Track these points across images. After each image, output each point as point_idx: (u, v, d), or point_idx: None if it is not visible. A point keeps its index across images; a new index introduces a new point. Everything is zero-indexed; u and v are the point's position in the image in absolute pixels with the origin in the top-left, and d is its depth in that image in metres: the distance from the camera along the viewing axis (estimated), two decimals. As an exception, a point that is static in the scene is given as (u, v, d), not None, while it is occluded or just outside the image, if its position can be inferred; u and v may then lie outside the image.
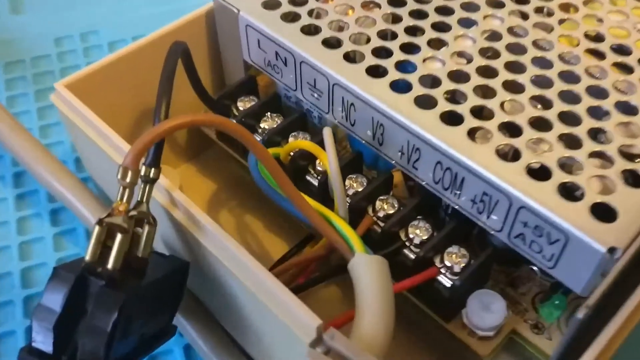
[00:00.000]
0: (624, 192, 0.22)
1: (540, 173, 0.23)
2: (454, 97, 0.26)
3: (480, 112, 0.26)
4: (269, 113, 0.31)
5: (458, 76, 0.27)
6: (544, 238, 0.23)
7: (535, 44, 0.28)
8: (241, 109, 0.31)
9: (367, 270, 0.23)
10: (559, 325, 0.26)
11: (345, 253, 0.24)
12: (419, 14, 0.30)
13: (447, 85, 0.26)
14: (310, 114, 0.32)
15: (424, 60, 0.27)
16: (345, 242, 0.24)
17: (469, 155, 0.24)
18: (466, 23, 0.29)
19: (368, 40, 0.28)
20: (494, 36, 0.29)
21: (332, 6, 0.30)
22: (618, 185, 0.23)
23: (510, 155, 0.24)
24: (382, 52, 0.28)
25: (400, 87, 0.26)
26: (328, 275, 0.26)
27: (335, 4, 0.30)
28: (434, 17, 0.29)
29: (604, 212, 0.22)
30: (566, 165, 0.24)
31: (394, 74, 0.27)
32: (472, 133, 0.25)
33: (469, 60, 0.28)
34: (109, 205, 0.32)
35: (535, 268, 0.27)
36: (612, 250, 0.21)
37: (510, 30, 0.29)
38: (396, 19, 0.30)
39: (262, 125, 0.31)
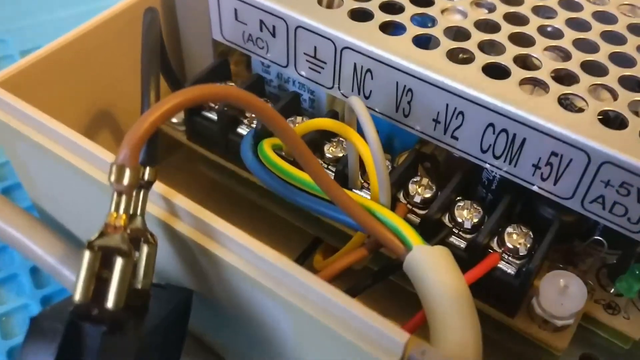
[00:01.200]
0: None
1: (614, 122, 0.20)
2: (489, 48, 0.23)
3: (524, 62, 0.22)
4: (255, 98, 0.26)
5: (485, 26, 0.24)
6: (631, 196, 0.20)
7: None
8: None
9: (434, 264, 0.19)
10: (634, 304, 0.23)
11: (396, 248, 0.20)
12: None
13: (478, 36, 0.23)
14: (299, 97, 0.27)
15: (442, 12, 0.24)
16: (394, 236, 0.20)
17: (530, 109, 0.20)
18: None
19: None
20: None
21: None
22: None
23: (575, 106, 0.21)
24: (393, 8, 0.24)
25: (424, 43, 0.23)
26: (376, 279, 0.22)
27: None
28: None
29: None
30: (640, 110, 0.21)
31: (413, 30, 0.23)
32: (524, 85, 0.21)
33: (491, 10, 0.24)
34: (68, 239, 0.26)
35: (600, 239, 0.24)
36: None
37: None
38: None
39: (249, 116, 0.26)
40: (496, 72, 0.22)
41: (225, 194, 0.29)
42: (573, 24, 0.24)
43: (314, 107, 0.28)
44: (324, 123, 0.23)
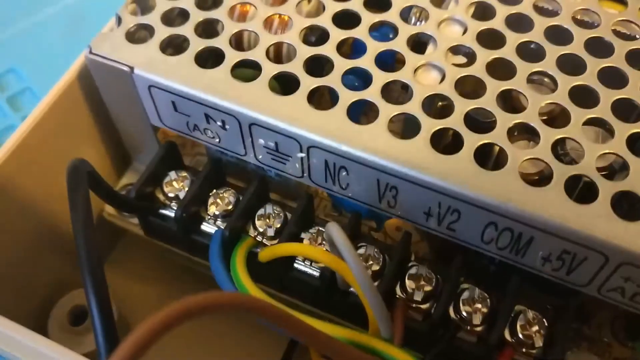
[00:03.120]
0: None
1: (628, 208, 0.19)
2: (472, 121, 0.20)
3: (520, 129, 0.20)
4: (215, 191, 0.24)
5: (464, 84, 0.21)
6: (657, 290, 0.19)
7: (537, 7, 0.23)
8: (171, 195, 0.24)
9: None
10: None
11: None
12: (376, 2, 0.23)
13: (462, 105, 0.20)
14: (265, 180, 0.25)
15: (415, 71, 0.21)
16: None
17: (536, 208, 0.18)
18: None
19: (331, 66, 0.22)
20: (485, 10, 0.23)
21: (259, 22, 0.23)
22: None
23: (581, 190, 0.19)
24: (355, 78, 0.22)
25: (409, 131, 0.20)
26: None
27: (258, 16, 0.23)
28: (399, 2, 0.23)
29: None
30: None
31: (387, 109, 0.20)
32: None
33: (470, 57, 0.22)
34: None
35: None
36: None
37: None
38: (343, 19, 0.23)
39: (211, 211, 0.23)
40: (485, 157, 0.20)
41: (193, 276, 0.27)
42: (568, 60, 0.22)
43: (282, 178, 0.25)
44: (314, 254, 0.21)
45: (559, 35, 0.22)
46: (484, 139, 0.20)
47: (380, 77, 0.21)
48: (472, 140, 0.20)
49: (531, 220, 0.19)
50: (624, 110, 0.21)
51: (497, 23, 0.23)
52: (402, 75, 0.21)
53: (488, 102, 0.21)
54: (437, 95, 0.21)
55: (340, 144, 0.20)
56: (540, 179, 0.20)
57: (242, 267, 0.21)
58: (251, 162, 0.23)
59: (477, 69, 0.21)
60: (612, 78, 0.21)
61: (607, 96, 0.21)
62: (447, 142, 0.21)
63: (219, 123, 0.22)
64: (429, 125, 0.20)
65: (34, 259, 0.25)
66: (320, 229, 0.23)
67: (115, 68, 0.22)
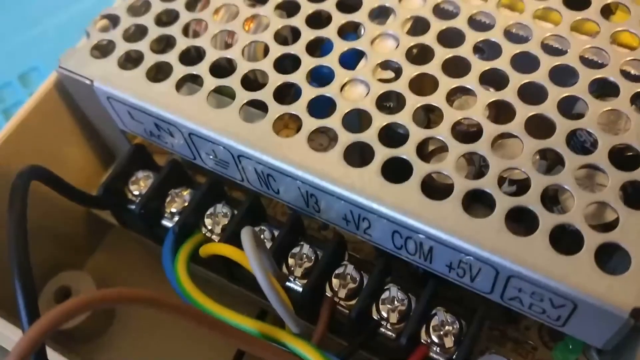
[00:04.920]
0: (627, 218, 0.18)
1: (520, 220, 0.19)
2: (393, 135, 0.21)
3: (424, 151, 0.21)
4: (172, 190, 0.25)
5: (387, 99, 0.22)
6: (545, 302, 0.19)
7: (474, 21, 0.23)
8: (136, 193, 0.26)
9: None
10: (581, 364, 0.23)
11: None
12: (314, 19, 0.24)
13: (379, 118, 0.21)
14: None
15: (342, 89, 0.22)
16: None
17: (430, 220, 0.19)
18: (378, 13, 0.24)
19: (265, 78, 0.23)
20: (419, 25, 0.23)
21: (208, 37, 0.24)
22: (619, 209, 0.19)
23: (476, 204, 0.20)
24: (288, 89, 0.22)
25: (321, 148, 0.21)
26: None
27: (210, 32, 0.24)
28: (337, 18, 0.24)
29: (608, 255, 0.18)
30: (550, 200, 0.19)
31: (309, 122, 0.21)
32: (425, 187, 0.20)
33: (396, 72, 0.22)
34: None
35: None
36: (636, 313, 0.17)
37: (439, 10, 0.23)
38: (292, 34, 0.24)
39: (169, 209, 0.25)
40: (395, 171, 0.20)
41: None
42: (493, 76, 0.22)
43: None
44: (222, 250, 0.22)
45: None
46: (394, 152, 0.20)
47: (308, 92, 0.22)
48: (382, 154, 0.20)
49: (426, 231, 0.19)
50: (540, 125, 0.21)
51: (428, 38, 0.23)
52: (329, 90, 0.22)
53: (405, 116, 0.21)
54: (359, 110, 0.22)
55: (263, 155, 0.21)
56: (445, 192, 0.20)
57: (183, 262, 0.23)
58: (201, 165, 0.24)
59: (400, 84, 0.22)
60: (532, 93, 0.21)
61: (525, 110, 0.21)
62: (365, 155, 0.21)
63: (167, 131, 0.23)
64: (345, 139, 0.21)
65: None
66: (262, 227, 0.24)
67: (79, 81, 0.24)
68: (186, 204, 0.25)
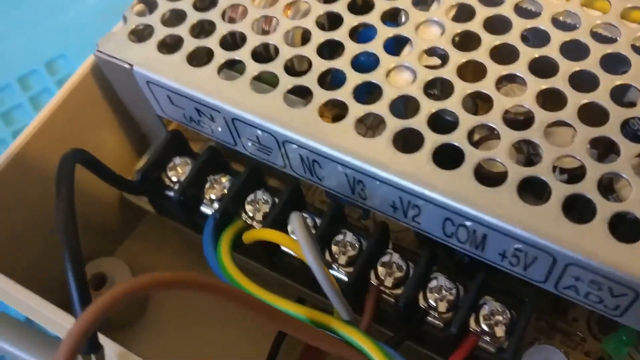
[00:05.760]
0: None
1: (577, 209, 0.18)
2: (441, 122, 0.20)
3: (471, 139, 0.20)
4: (211, 177, 0.25)
5: (432, 86, 0.21)
6: (604, 291, 0.18)
7: (520, 8, 0.22)
8: (174, 179, 0.25)
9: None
10: (631, 356, 0.22)
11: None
12: (356, 6, 0.23)
13: (428, 105, 0.20)
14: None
15: (388, 74, 0.21)
16: (361, 355, 0.19)
17: (486, 207, 0.18)
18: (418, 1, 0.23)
19: (309, 64, 0.22)
20: (463, 12, 0.22)
21: (249, 22, 0.23)
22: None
23: (536, 192, 0.19)
24: (329, 76, 0.22)
25: (374, 125, 0.21)
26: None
27: (250, 17, 0.23)
28: (379, 4, 0.23)
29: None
30: (605, 188, 0.19)
31: (356, 109, 0.21)
32: (479, 174, 0.19)
33: (442, 58, 0.21)
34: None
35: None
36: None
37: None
38: (328, 21, 0.23)
39: (208, 195, 0.24)
40: (448, 155, 0.19)
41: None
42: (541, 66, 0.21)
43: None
44: (271, 236, 0.21)
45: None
46: (445, 139, 0.20)
47: (353, 78, 0.21)
48: (433, 141, 0.20)
49: (481, 218, 0.18)
50: (592, 113, 0.20)
51: (474, 25, 0.22)
52: (374, 77, 0.21)
53: (454, 103, 0.20)
54: (405, 97, 0.21)
55: (309, 141, 0.20)
56: (497, 179, 0.19)
57: (226, 248, 0.22)
58: (242, 152, 0.23)
59: (448, 71, 0.21)
60: (583, 81, 0.20)
61: (576, 98, 0.20)
62: (413, 141, 0.21)
63: (208, 117, 0.23)
64: (393, 125, 0.20)
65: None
66: (304, 215, 0.23)
67: (118, 65, 0.23)
68: (225, 190, 0.24)
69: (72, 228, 0.18)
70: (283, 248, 0.23)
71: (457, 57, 0.21)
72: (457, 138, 0.20)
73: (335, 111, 0.21)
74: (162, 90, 0.23)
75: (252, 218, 0.24)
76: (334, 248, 0.22)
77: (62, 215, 0.18)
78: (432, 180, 0.19)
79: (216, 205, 0.24)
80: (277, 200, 0.24)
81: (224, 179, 0.25)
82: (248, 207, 0.24)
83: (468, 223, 0.19)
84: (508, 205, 0.18)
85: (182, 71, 0.22)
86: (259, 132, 0.21)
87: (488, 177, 0.19)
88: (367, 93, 0.21)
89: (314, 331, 0.19)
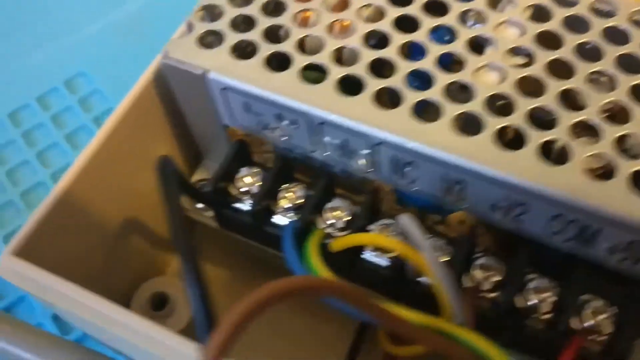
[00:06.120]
0: None
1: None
2: (535, 119, 0.20)
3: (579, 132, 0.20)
4: (284, 185, 0.24)
5: (527, 85, 0.21)
6: None
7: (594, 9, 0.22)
8: (244, 190, 0.24)
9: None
10: None
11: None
12: (433, 5, 0.23)
13: (524, 103, 0.20)
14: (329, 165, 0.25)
15: (475, 72, 0.21)
16: (475, 356, 0.18)
17: (602, 201, 0.18)
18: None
19: (390, 69, 0.21)
20: (541, 12, 0.22)
21: (323, 26, 0.22)
22: None
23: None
24: (414, 79, 0.21)
25: (467, 123, 0.20)
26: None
27: (324, 21, 0.22)
28: (456, 6, 0.22)
29: None
30: None
31: (451, 108, 0.20)
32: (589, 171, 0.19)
33: (529, 58, 0.21)
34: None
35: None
36: None
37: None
38: (402, 22, 0.22)
39: (282, 204, 0.23)
40: (545, 153, 0.19)
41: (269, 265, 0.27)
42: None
43: (346, 173, 0.25)
44: (392, 245, 0.20)
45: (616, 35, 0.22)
46: (548, 135, 0.19)
47: (442, 78, 0.21)
48: (536, 137, 0.19)
49: (596, 212, 0.18)
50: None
51: (554, 25, 0.22)
52: (463, 76, 0.21)
53: (549, 100, 0.20)
54: (498, 95, 0.20)
55: (408, 141, 0.20)
56: (603, 174, 0.19)
57: (317, 256, 0.21)
58: (319, 158, 0.23)
59: (537, 69, 0.21)
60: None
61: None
62: (508, 140, 0.20)
63: (289, 122, 0.22)
64: (493, 122, 0.20)
65: (120, 246, 0.26)
66: (385, 222, 0.23)
67: (189, 72, 0.22)
68: (299, 200, 0.23)
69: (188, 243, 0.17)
70: (365, 256, 0.22)
71: (544, 55, 0.21)
72: (560, 134, 0.19)
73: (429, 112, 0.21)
74: (238, 97, 0.22)
75: (332, 226, 0.23)
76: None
77: (180, 236, 0.17)
78: (543, 177, 0.19)
79: (290, 214, 0.23)
80: (354, 207, 0.23)
81: (296, 188, 0.24)
82: (327, 215, 0.23)
83: (581, 219, 0.19)
84: (623, 197, 0.18)
85: (261, 76, 0.21)
86: (347, 135, 0.21)
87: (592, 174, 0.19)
88: (458, 93, 0.21)
89: (438, 338, 0.18)
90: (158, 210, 0.26)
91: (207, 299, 0.17)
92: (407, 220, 0.18)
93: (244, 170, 0.24)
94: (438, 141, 0.20)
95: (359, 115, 0.20)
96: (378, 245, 0.21)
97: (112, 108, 0.35)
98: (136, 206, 0.26)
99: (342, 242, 0.21)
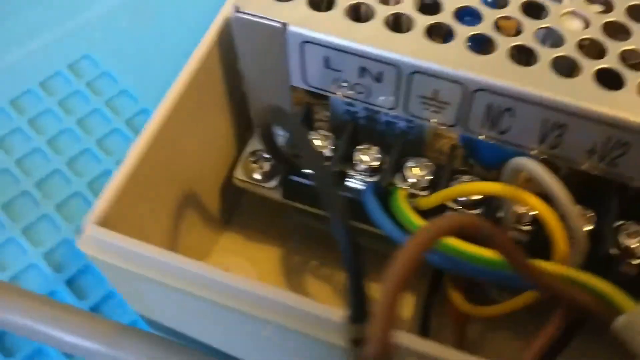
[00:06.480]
0: None
1: None
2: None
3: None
4: (358, 147, 0.23)
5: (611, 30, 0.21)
6: None
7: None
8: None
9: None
10: None
11: (602, 313, 0.18)
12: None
13: (615, 46, 0.20)
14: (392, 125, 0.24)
15: (560, 19, 0.21)
16: (598, 300, 0.18)
17: None
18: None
19: (479, 16, 0.21)
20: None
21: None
22: None
23: None
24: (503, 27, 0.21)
25: (561, 67, 0.20)
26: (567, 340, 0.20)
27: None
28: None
29: None
30: None
31: (546, 53, 0.20)
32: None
33: (607, 5, 0.21)
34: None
35: None
36: None
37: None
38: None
39: (358, 167, 0.22)
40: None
41: (321, 239, 0.26)
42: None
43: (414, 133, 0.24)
44: (492, 189, 0.20)
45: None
46: (642, 73, 0.19)
47: (531, 24, 0.21)
48: (634, 77, 0.19)
49: None
50: None
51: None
52: (550, 22, 0.21)
53: (637, 44, 0.20)
54: (587, 39, 0.20)
55: (510, 85, 0.19)
56: None
57: (415, 213, 0.20)
58: (399, 115, 0.22)
59: (619, 14, 0.21)
60: None
61: None
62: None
63: (373, 76, 0.21)
64: (589, 65, 0.20)
65: (178, 223, 0.24)
66: (465, 178, 0.22)
67: (265, 26, 0.21)
68: (375, 162, 0.22)
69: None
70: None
71: (621, 2, 0.21)
72: (658, 72, 0.19)
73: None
74: (319, 51, 0.21)
75: (414, 185, 0.22)
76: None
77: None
78: (649, 113, 0.19)
79: (365, 177, 0.22)
80: (432, 165, 0.22)
81: (371, 151, 0.23)
82: (408, 174, 0.22)
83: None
84: None
85: (345, 27, 0.20)
86: (442, 84, 0.20)
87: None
88: (546, 39, 0.21)
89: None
90: (208, 185, 0.25)
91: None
92: (530, 162, 0.18)
93: (314, 135, 0.23)
94: (541, 84, 0.19)
95: (456, 61, 0.20)
96: (487, 193, 0.20)
97: (125, 90, 0.33)
98: (191, 181, 0.24)
99: (437, 197, 0.21)
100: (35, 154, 0.31)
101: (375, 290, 0.14)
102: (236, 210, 0.28)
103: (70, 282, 0.27)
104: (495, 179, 0.21)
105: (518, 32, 0.20)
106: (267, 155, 0.24)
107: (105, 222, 0.18)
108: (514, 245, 0.16)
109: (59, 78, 0.33)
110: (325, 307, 0.17)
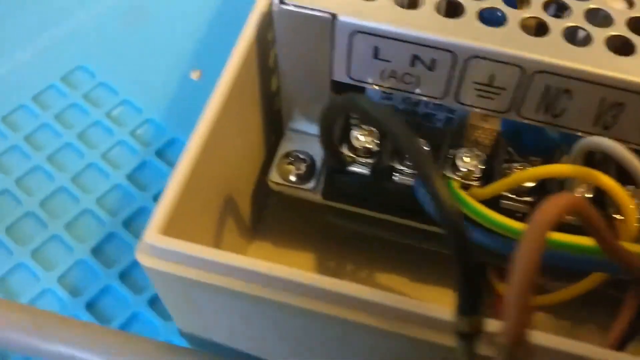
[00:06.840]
0: None
1: None
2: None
3: None
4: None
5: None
6: None
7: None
8: (360, 147, 0.22)
9: None
10: None
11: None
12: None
13: (662, 24, 0.20)
14: (430, 117, 0.23)
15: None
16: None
17: None
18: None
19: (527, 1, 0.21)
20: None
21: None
22: None
23: None
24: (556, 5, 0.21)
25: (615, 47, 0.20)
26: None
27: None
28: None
29: None
30: None
31: (598, 33, 0.20)
32: None
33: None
34: None
35: None
36: None
37: None
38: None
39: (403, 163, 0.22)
40: None
41: (356, 239, 0.26)
42: None
43: (450, 125, 0.24)
44: (563, 170, 0.19)
45: None
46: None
47: (578, 6, 0.20)
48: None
49: None
50: None
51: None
52: (597, 3, 0.21)
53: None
54: (635, 18, 0.20)
55: (570, 64, 0.19)
56: None
57: (478, 202, 0.19)
58: (446, 104, 0.21)
59: (658, -7, 0.21)
60: None
61: None
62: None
63: (426, 63, 0.20)
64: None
65: (220, 232, 0.22)
66: (516, 166, 0.22)
67: (312, 17, 0.20)
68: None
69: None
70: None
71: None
72: None
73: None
74: (368, 42, 0.20)
75: (466, 176, 0.21)
76: (579, 186, 0.21)
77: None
78: None
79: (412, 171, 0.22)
80: (482, 155, 0.22)
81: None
82: (461, 164, 0.21)
83: None
84: None
85: (397, 15, 0.20)
86: (503, 68, 0.19)
87: None
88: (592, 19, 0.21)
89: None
90: (243, 190, 0.24)
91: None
92: (606, 140, 0.17)
93: (355, 129, 0.22)
94: (600, 63, 0.19)
95: (514, 44, 0.19)
96: (557, 175, 0.20)
97: (127, 100, 0.31)
98: (229, 187, 0.23)
99: (507, 182, 0.20)
100: (35, 172, 0.29)
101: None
102: (262, 216, 0.27)
103: (90, 306, 0.25)
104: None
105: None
106: (302, 156, 0.24)
107: (167, 231, 0.17)
108: (609, 228, 0.16)
109: (53, 91, 0.31)
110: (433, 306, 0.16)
